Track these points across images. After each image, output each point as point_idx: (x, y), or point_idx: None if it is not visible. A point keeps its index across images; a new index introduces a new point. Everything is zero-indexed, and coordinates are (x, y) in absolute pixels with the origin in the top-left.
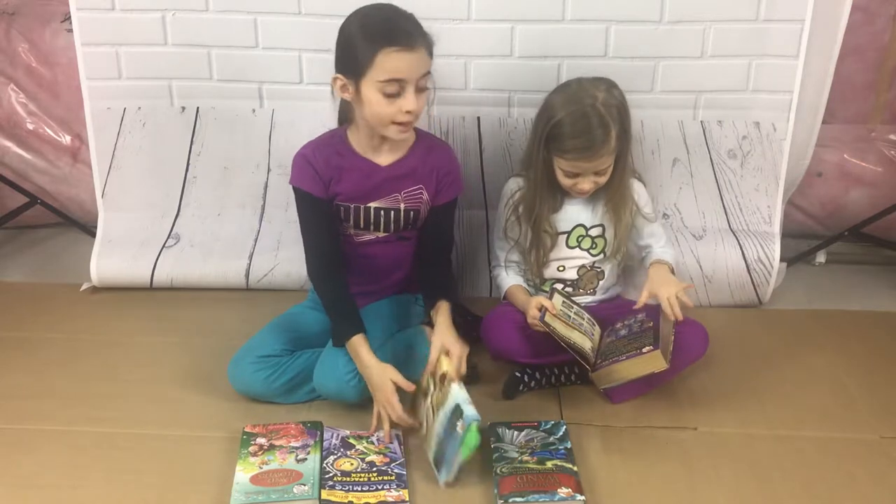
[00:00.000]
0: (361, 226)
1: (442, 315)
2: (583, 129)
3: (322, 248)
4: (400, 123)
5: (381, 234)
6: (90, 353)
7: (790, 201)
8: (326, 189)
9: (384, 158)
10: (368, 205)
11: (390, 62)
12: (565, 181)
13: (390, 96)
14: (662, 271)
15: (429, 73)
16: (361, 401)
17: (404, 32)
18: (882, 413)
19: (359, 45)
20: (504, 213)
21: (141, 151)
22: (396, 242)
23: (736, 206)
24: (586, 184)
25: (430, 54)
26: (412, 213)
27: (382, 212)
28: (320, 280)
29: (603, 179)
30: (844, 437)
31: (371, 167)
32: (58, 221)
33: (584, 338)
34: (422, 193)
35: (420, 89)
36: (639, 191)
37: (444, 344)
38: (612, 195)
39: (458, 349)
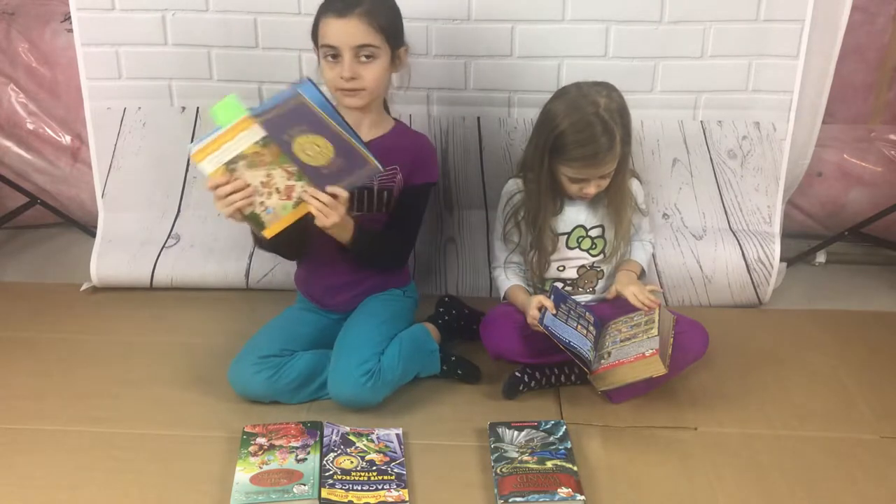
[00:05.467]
0: None
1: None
2: (588, 138)
3: None
4: (344, 90)
5: (353, 214)
6: (90, 353)
7: (790, 201)
8: None
9: (363, 135)
10: None
11: (326, 28)
12: (571, 187)
13: (331, 62)
14: (628, 276)
15: (369, 45)
16: (378, 406)
17: (341, 1)
18: (882, 413)
19: (316, 13)
20: (503, 217)
21: (141, 151)
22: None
23: (736, 206)
24: (591, 188)
25: (377, 28)
26: (385, 192)
27: (356, 189)
28: None
29: (606, 182)
30: (844, 437)
31: None
32: (58, 221)
33: (583, 338)
34: (396, 174)
35: (363, 60)
36: (636, 189)
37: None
38: (613, 197)
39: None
